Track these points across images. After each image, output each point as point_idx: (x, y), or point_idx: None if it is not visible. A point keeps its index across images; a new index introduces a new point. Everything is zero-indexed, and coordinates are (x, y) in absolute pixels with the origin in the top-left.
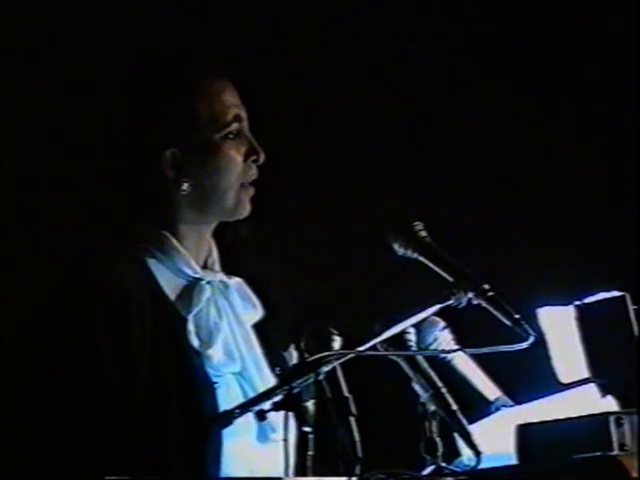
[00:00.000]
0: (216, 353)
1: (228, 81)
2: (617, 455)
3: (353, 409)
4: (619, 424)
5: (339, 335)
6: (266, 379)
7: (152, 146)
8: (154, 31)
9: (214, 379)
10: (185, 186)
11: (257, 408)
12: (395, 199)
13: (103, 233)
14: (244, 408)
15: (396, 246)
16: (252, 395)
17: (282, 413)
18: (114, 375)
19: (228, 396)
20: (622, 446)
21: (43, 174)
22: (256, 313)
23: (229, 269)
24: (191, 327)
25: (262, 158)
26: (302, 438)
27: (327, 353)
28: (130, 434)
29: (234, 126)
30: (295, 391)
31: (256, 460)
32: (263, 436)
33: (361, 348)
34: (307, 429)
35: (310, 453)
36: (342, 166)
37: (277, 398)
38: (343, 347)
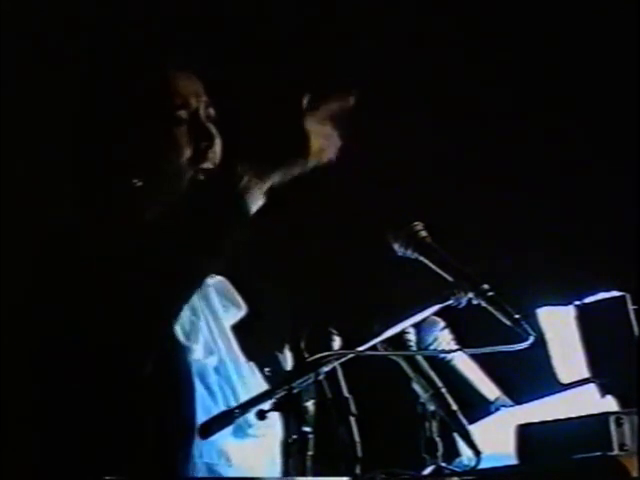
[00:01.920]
0: (197, 350)
1: (188, 72)
2: (617, 455)
3: (353, 409)
4: (619, 424)
5: (339, 335)
6: (244, 376)
7: (98, 144)
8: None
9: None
10: (136, 180)
11: (257, 408)
12: (395, 199)
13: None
14: (244, 408)
15: (396, 246)
16: (228, 391)
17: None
18: (93, 365)
19: (206, 389)
20: (622, 446)
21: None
22: (238, 312)
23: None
24: None
25: (217, 144)
26: (302, 438)
27: (327, 353)
28: (108, 423)
29: (181, 112)
30: (295, 391)
31: (234, 455)
32: (240, 431)
33: (361, 348)
34: (307, 429)
35: (310, 453)
36: (342, 165)
37: (277, 398)
38: (343, 347)
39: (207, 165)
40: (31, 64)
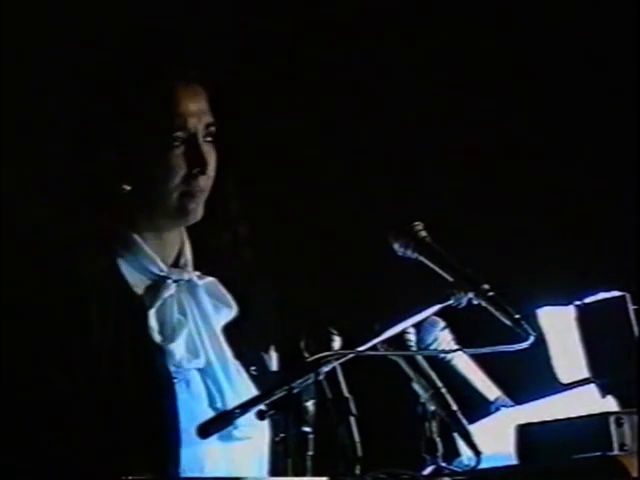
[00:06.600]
0: (178, 349)
1: (196, 86)
2: (617, 455)
3: (353, 409)
4: (619, 424)
5: (339, 335)
6: (232, 377)
7: (93, 146)
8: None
9: (175, 374)
10: (125, 186)
11: (257, 408)
12: (395, 199)
13: (72, 233)
14: (244, 408)
15: (396, 246)
16: (215, 391)
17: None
18: (73, 370)
19: (189, 392)
20: (622, 446)
21: (11, 172)
22: (230, 312)
23: (207, 269)
24: (153, 323)
25: (209, 170)
26: (302, 438)
27: (327, 353)
28: (89, 430)
29: (179, 134)
30: (295, 391)
31: (219, 461)
32: (225, 435)
33: (361, 348)
34: (307, 429)
35: (310, 453)
36: (342, 165)
37: (277, 398)
38: (343, 347)
39: (192, 190)
40: (31, 68)
